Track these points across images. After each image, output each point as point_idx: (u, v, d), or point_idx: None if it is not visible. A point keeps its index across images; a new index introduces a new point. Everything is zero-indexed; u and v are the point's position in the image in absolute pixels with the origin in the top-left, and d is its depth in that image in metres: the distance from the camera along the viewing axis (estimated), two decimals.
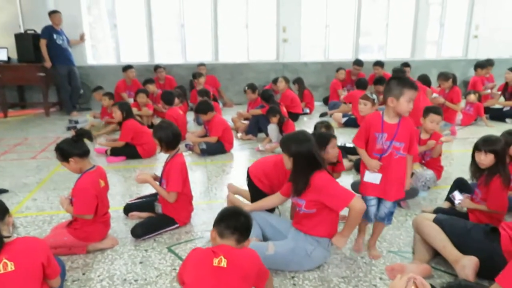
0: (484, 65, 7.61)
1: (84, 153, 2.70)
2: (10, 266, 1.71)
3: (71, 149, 2.65)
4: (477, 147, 2.84)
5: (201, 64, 8.29)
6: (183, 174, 3.06)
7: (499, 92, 7.44)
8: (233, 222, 1.93)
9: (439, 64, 9.24)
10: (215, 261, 1.82)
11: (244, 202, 3.36)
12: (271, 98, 5.98)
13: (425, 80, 6.54)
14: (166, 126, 3.10)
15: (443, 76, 6.56)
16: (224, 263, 1.81)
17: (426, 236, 2.55)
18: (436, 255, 2.59)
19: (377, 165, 2.44)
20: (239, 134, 6.06)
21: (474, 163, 2.89)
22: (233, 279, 1.81)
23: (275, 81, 7.63)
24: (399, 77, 2.41)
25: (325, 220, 2.46)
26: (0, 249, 1.72)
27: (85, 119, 6.99)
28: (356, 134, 2.54)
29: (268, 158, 3.44)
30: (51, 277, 1.90)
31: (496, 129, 6.34)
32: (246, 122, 6.24)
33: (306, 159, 2.42)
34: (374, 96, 4.26)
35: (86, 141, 2.75)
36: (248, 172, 3.28)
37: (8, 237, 1.82)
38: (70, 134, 5.82)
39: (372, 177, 2.48)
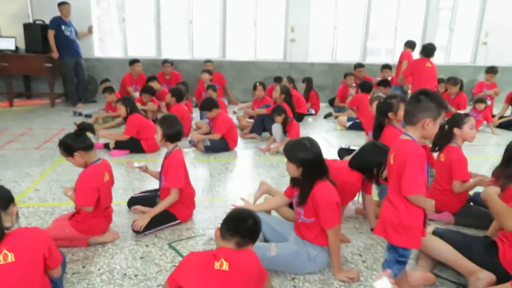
0: (486, 71, 7.59)
1: (88, 147, 2.69)
2: (10, 257, 1.69)
3: (75, 144, 2.64)
4: None
5: (208, 61, 8.28)
6: (184, 170, 3.05)
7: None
8: (235, 225, 1.90)
9: (447, 70, 9.19)
10: (217, 265, 1.79)
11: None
12: (291, 96, 6.05)
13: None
14: (172, 120, 3.08)
15: (452, 81, 6.53)
16: (225, 266, 1.79)
17: (431, 251, 2.48)
18: (439, 263, 2.57)
19: (433, 203, 2.00)
20: (243, 131, 6.05)
21: None
22: (236, 282, 1.79)
23: (277, 79, 7.60)
24: (430, 94, 1.94)
25: (324, 231, 2.42)
26: (0, 240, 1.71)
27: (92, 111, 6.98)
28: (415, 180, 1.90)
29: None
30: (52, 267, 1.89)
31: (502, 137, 6.31)
32: (251, 120, 6.23)
33: (314, 167, 2.38)
34: None
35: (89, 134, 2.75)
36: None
37: (9, 228, 1.80)
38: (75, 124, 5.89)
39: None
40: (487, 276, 2.25)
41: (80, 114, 6.85)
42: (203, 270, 1.80)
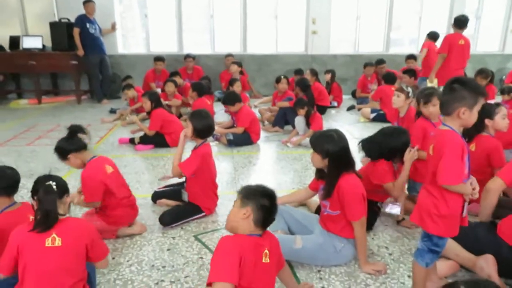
0: None
1: (80, 147, 2.70)
2: (58, 241, 1.84)
3: (67, 146, 2.68)
4: None
5: (229, 55, 8.29)
6: (201, 163, 3.01)
7: None
8: (271, 215, 1.83)
9: (473, 59, 8.85)
10: (265, 258, 1.76)
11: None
12: (309, 88, 5.95)
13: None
14: (204, 116, 3.10)
15: (484, 74, 6.27)
16: (267, 258, 1.78)
17: None
18: None
19: (470, 187, 1.93)
20: (266, 123, 6.08)
21: None
22: (272, 273, 1.83)
23: (297, 72, 7.54)
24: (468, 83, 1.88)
25: (350, 224, 2.41)
26: (53, 224, 1.85)
27: (123, 107, 7.04)
28: (452, 169, 1.84)
29: None
30: (95, 260, 2.01)
31: None
32: (273, 113, 6.22)
33: (341, 159, 2.37)
34: (410, 89, 4.15)
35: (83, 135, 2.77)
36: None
37: (63, 215, 1.93)
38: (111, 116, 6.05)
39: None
40: (487, 261, 2.23)
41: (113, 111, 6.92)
42: (255, 264, 1.72)
